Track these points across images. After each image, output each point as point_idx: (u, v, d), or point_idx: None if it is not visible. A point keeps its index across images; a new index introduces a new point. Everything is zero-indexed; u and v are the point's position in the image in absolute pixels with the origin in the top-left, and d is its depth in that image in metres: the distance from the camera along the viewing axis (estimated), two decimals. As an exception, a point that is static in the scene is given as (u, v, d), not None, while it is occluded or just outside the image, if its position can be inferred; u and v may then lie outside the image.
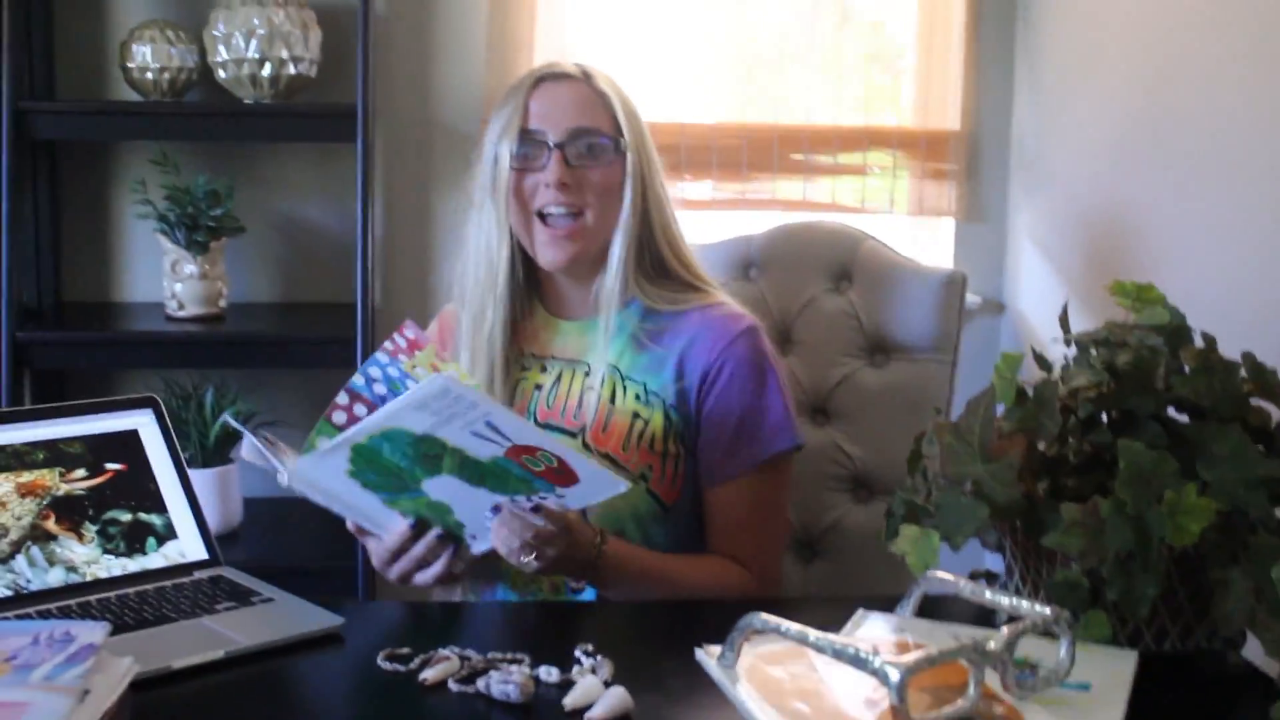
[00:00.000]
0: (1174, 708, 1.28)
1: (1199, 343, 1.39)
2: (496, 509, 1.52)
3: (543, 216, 1.78)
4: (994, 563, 1.56)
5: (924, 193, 3.10)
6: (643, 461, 1.79)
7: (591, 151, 1.79)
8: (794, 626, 1.11)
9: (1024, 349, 2.14)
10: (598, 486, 1.48)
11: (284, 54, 2.73)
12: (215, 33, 2.75)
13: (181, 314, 2.77)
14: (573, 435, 1.80)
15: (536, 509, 1.53)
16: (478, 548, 1.58)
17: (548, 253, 1.79)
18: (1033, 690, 1.13)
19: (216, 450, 2.69)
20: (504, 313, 1.83)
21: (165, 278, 2.79)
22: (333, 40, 2.87)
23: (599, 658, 1.32)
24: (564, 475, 1.44)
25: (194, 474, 2.56)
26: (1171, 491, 1.23)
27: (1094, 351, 1.39)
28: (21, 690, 1.07)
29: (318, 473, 1.53)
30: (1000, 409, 1.38)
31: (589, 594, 1.73)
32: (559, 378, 1.85)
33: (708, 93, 3.08)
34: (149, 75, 2.77)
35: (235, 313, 2.88)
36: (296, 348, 2.77)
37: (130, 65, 2.78)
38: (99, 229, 3.00)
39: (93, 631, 1.19)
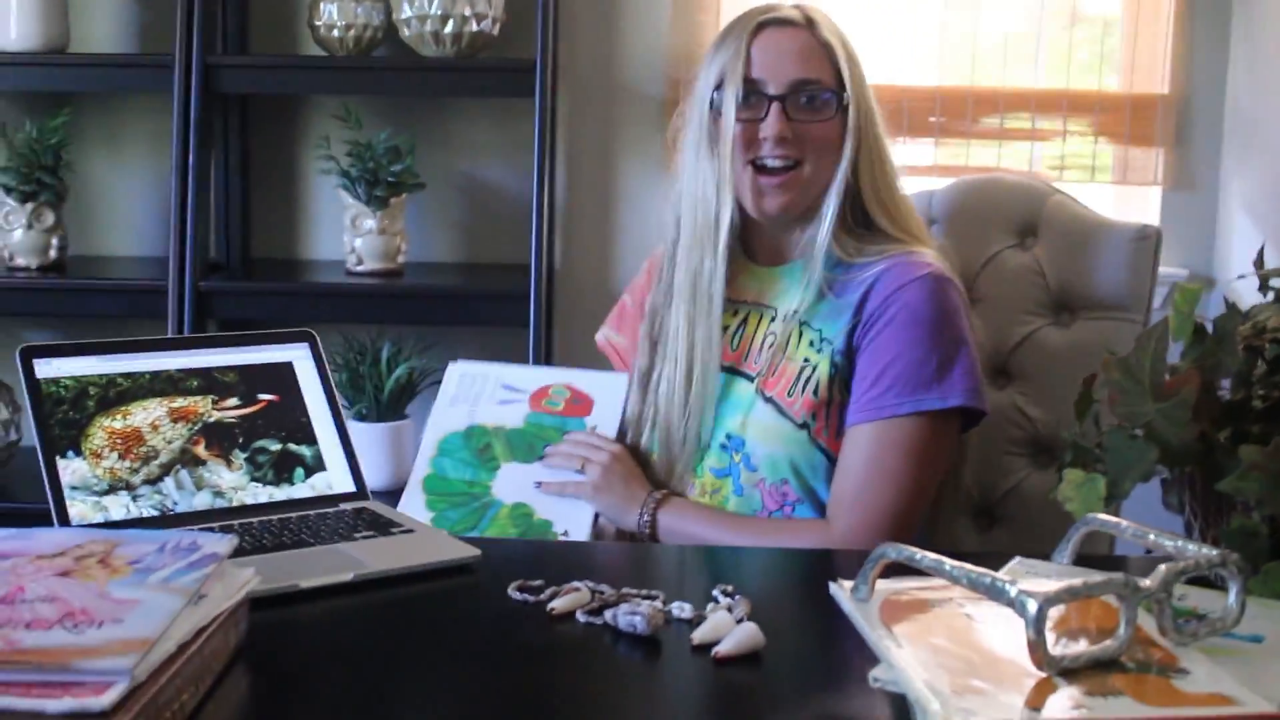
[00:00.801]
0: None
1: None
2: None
3: (758, 166, 1.74)
4: (1176, 527, 1.45)
5: (1129, 160, 2.96)
6: (806, 409, 1.73)
7: (813, 105, 1.74)
8: (930, 555, 1.04)
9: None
10: (609, 393, 1.65)
11: (466, 11, 2.74)
12: (400, -8, 2.78)
13: (360, 268, 2.81)
14: (750, 380, 1.78)
15: None
16: (574, 535, 1.62)
17: (762, 201, 1.76)
18: (1194, 637, 1.03)
19: (390, 405, 2.71)
20: (724, 266, 1.78)
21: (346, 233, 2.82)
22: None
23: (736, 597, 1.27)
24: (581, 403, 1.57)
25: (367, 427, 2.65)
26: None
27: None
28: (137, 590, 1.06)
29: None
30: (1179, 351, 1.28)
31: None
32: (744, 320, 1.83)
33: (899, 53, 2.99)
34: (335, 33, 2.81)
35: (415, 271, 2.90)
36: (472, 303, 2.78)
37: (318, 23, 2.82)
38: (286, 187, 3.06)
39: (219, 543, 1.18)
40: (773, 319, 1.80)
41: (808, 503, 1.75)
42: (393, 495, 2.54)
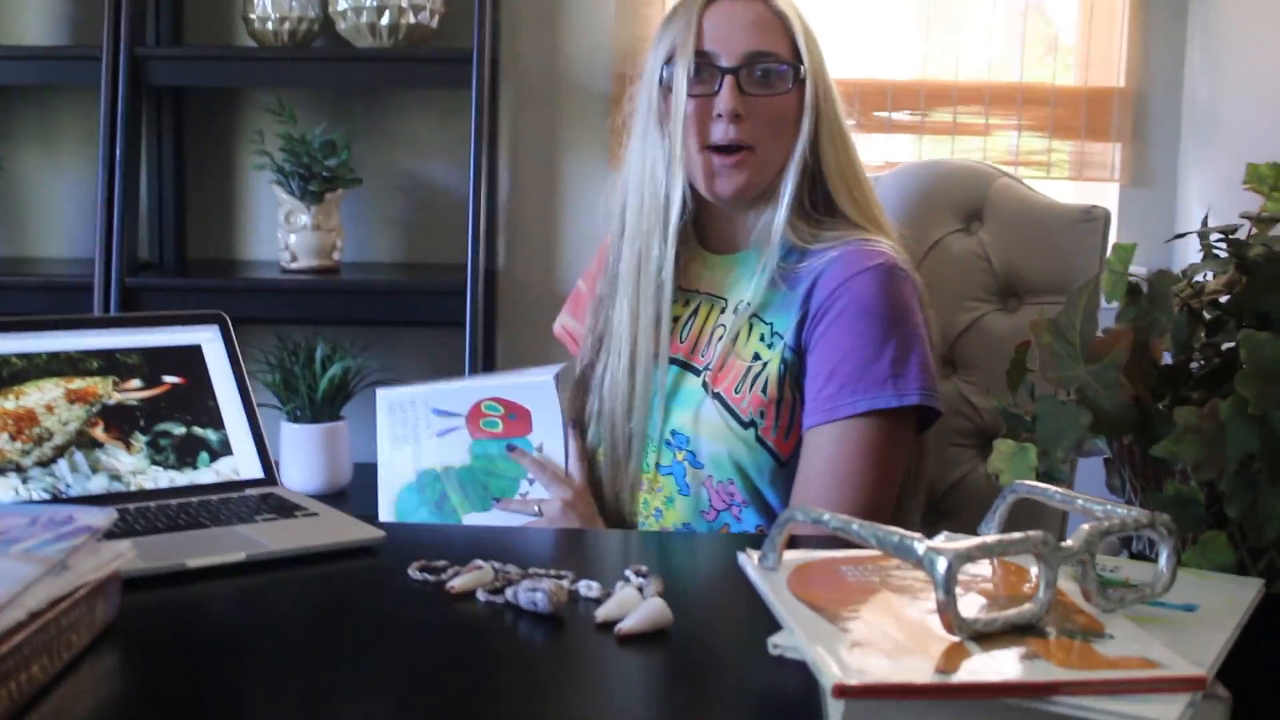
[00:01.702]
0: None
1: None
2: None
3: (712, 147, 1.67)
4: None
5: (1085, 155, 2.91)
6: (754, 406, 1.66)
7: (767, 78, 1.66)
8: (837, 516, 0.98)
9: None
10: (541, 401, 1.60)
11: (404, 2, 2.69)
12: (336, -19, 2.73)
13: (294, 265, 2.75)
14: (698, 373, 1.71)
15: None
16: None
17: (714, 183, 1.68)
18: (1120, 603, 0.97)
19: (325, 406, 2.64)
20: (673, 250, 1.71)
21: (279, 229, 2.76)
22: (456, -10, 2.82)
23: (648, 576, 1.20)
24: (518, 417, 1.55)
25: (300, 428, 2.58)
26: (1302, 384, 1.06)
27: (1223, 246, 1.23)
28: (-8, 560, 1.00)
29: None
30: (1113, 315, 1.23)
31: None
32: (696, 311, 1.76)
33: (850, 45, 2.94)
34: (270, 25, 2.76)
35: (352, 270, 2.85)
36: (409, 300, 2.73)
37: (252, 16, 2.77)
38: (221, 184, 3.01)
39: (95, 516, 1.12)
40: (723, 310, 1.74)
41: (753, 506, 1.68)
42: (328, 499, 2.49)
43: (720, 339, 1.71)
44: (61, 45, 2.92)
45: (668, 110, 1.68)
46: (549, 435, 1.66)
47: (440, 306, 2.69)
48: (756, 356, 1.68)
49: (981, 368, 1.98)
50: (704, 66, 1.66)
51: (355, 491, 2.66)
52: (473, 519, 1.67)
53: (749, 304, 1.69)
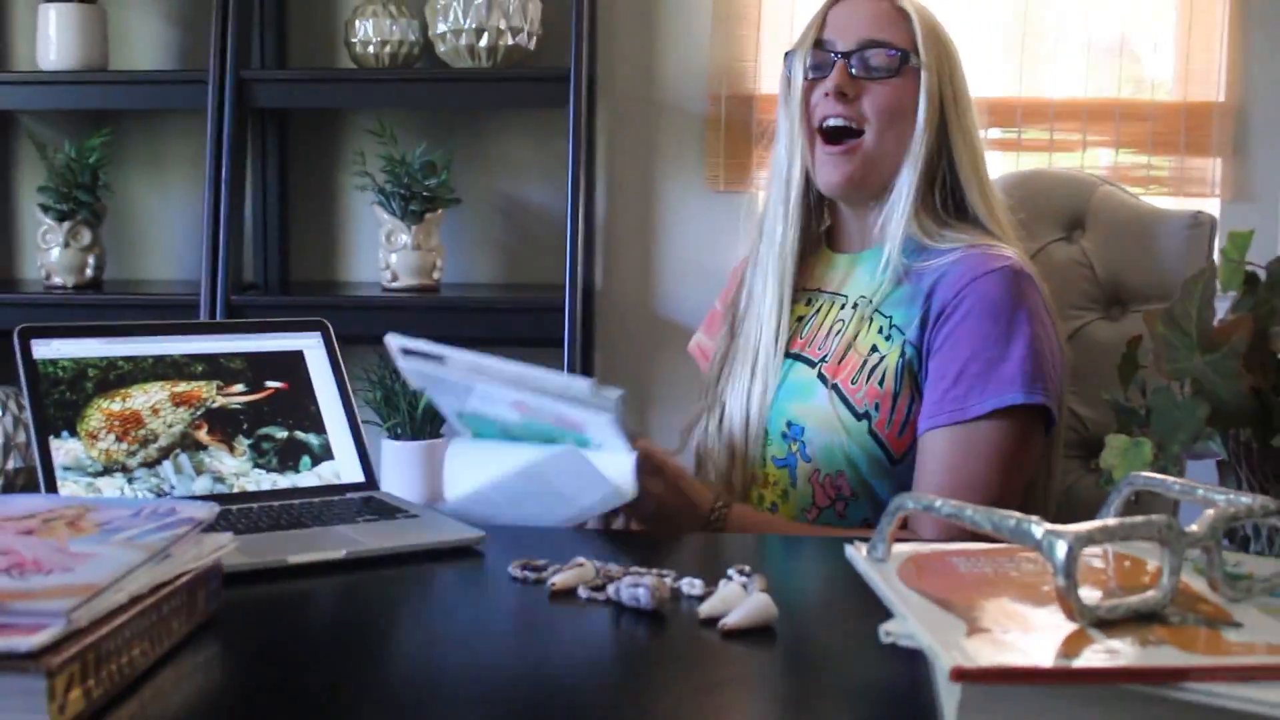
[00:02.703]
0: None
1: None
2: None
3: (824, 133, 1.67)
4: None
5: (1185, 170, 2.84)
6: (870, 398, 1.62)
7: (877, 63, 1.65)
8: (950, 503, 0.94)
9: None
10: (596, 424, 1.39)
11: (501, 24, 2.69)
12: (436, 7, 2.73)
13: (395, 284, 2.74)
14: (811, 365, 1.69)
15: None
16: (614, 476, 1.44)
17: (824, 172, 1.68)
18: (1247, 593, 0.92)
19: (425, 423, 2.63)
20: (796, 231, 1.73)
21: (380, 249, 2.76)
22: (553, 13, 2.81)
23: (751, 574, 1.16)
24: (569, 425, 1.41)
25: (400, 445, 2.57)
26: None
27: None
28: (97, 546, 0.98)
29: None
30: (1227, 304, 1.18)
31: None
32: (819, 309, 1.74)
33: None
34: (370, 48, 2.76)
35: (451, 290, 2.84)
36: (508, 318, 2.71)
37: (354, 40, 2.78)
38: (324, 205, 3.02)
39: (198, 509, 1.10)
40: (844, 305, 1.71)
41: (862, 498, 1.63)
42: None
43: (839, 333, 1.68)
44: (169, 70, 2.96)
45: (790, 97, 1.70)
46: (612, 445, 1.44)
47: (539, 325, 2.67)
48: (874, 349, 1.64)
49: (1086, 377, 1.92)
50: (821, 53, 1.68)
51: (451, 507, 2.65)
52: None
53: (869, 299, 1.67)
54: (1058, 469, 1.75)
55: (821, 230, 1.81)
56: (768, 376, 1.70)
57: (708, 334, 1.92)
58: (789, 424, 1.67)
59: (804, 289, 1.76)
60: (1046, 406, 1.57)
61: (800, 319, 1.74)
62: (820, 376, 1.66)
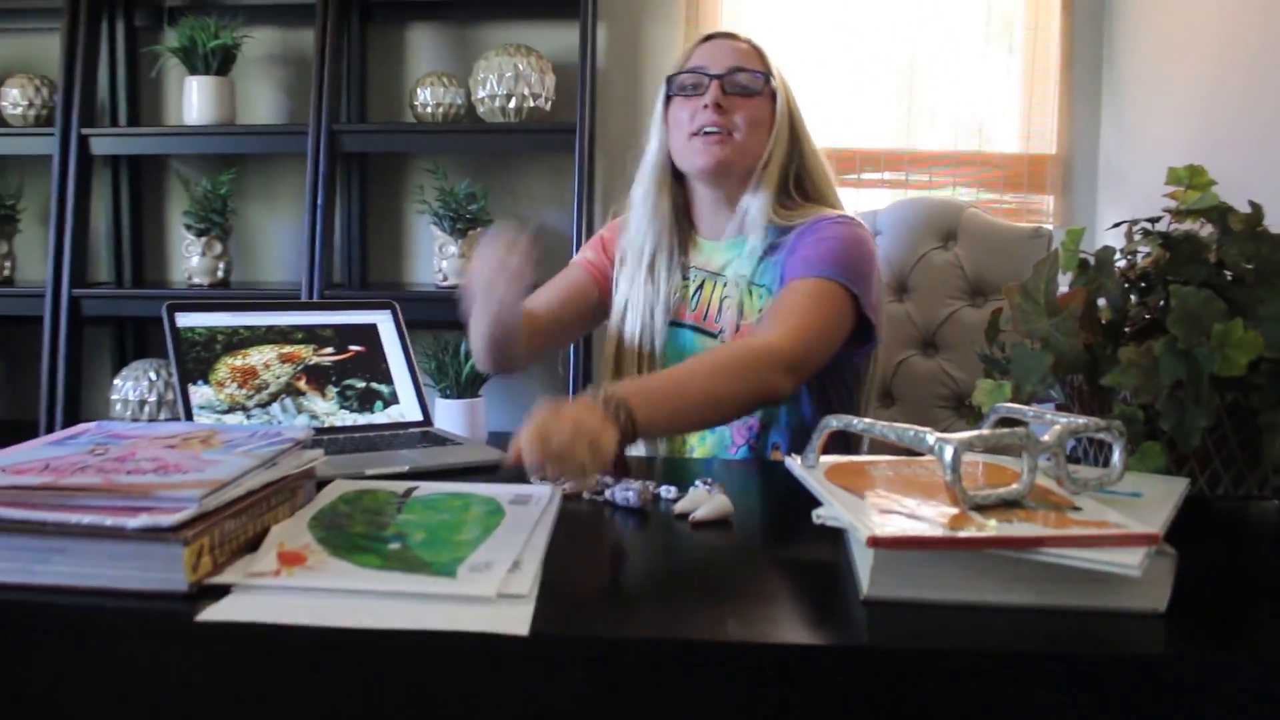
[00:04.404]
0: (1224, 550, 1.03)
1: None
2: None
3: (700, 135, 1.55)
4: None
5: (1027, 204, 2.82)
6: None
7: (745, 85, 1.56)
8: (864, 420, 0.92)
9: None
10: None
11: (525, 91, 2.65)
12: (477, 79, 2.70)
13: (446, 283, 2.70)
14: (713, 336, 1.58)
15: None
16: None
17: (698, 159, 1.55)
18: (1085, 487, 0.90)
19: (468, 386, 2.60)
20: (669, 200, 1.61)
21: (435, 257, 2.73)
22: (564, 84, 2.78)
23: (713, 483, 1.14)
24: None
25: (449, 403, 2.53)
26: (1219, 325, 0.98)
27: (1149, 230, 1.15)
28: (223, 455, 0.96)
29: None
30: (1066, 281, 1.16)
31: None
32: (700, 285, 1.62)
33: (856, 120, 2.87)
34: (428, 109, 2.72)
35: (488, 288, 2.79)
36: (528, 309, 2.67)
37: (416, 103, 2.74)
38: (393, 225, 2.97)
39: (299, 432, 1.07)
40: (725, 284, 1.59)
41: (770, 427, 1.55)
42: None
43: (728, 308, 1.57)
44: (280, 124, 2.91)
45: (667, 113, 1.60)
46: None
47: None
48: (759, 310, 1.55)
49: (956, 349, 1.90)
50: (696, 75, 1.57)
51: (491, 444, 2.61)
52: None
53: (746, 276, 1.56)
54: (875, 383, 1.65)
55: (684, 218, 1.66)
56: (658, 339, 1.60)
57: (592, 249, 1.76)
58: None
59: (681, 266, 1.63)
60: (853, 292, 1.46)
61: (684, 289, 1.62)
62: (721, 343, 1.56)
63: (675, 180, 1.64)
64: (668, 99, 1.61)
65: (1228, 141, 2.09)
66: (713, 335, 1.59)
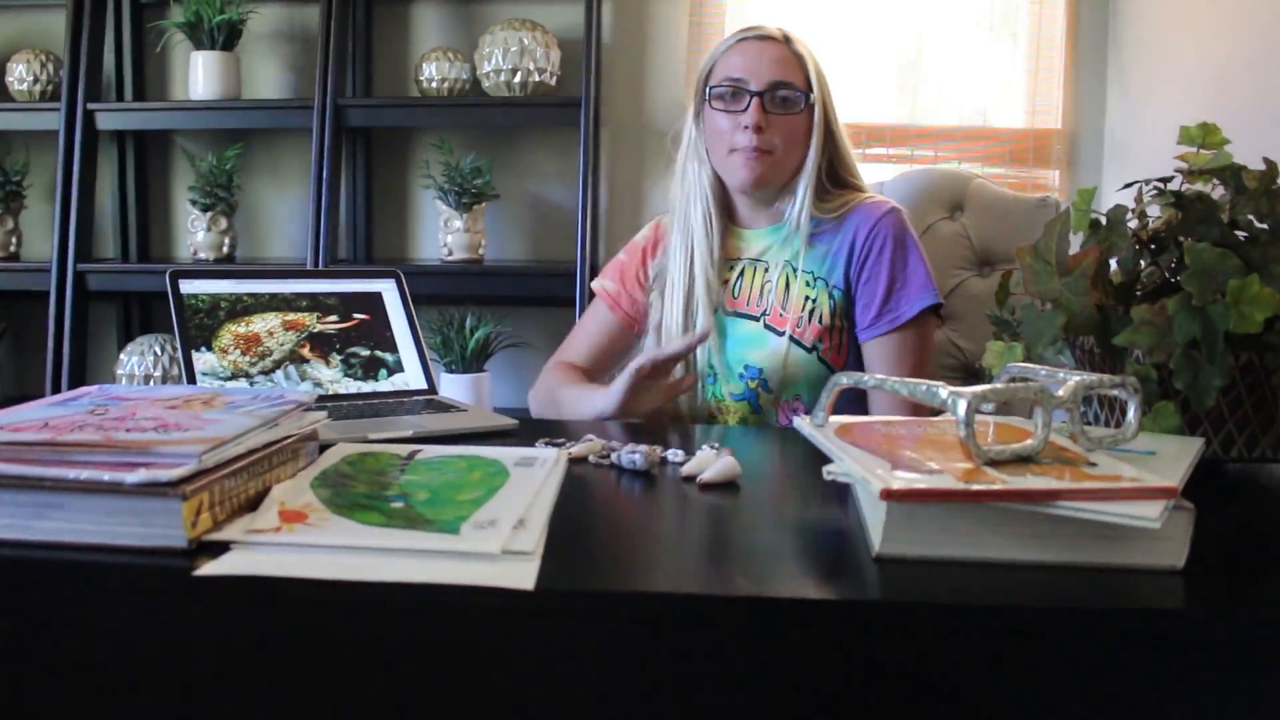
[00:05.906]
0: (1239, 511, 1.00)
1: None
2: None
3: (738, 150, 1.58)
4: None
5: (1033, 178, 2.79)
6: (815, 336, 1.57)
7: (786, 103, 1.57)
8: (874, 376, 0.89)
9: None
10: None
11: (530, 66, 2.62)
12: (482, 53, 2.67)
13: (451, 258, 2.68)
14: (755, 319, 1.61)
15: None
16: None
17: (740, 172, 1.57)
18: (1099, 444, 0.88)
19: (473, 360, 2.58)
20: (712, 205, 1.63)
21: (439, 231, 2.70)
22: (569, 58, 2.75)
23: (723, 448, 1.12)
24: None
25: (454, 377, 2.50)
26: (1235, 281, 0.95)
27: (1163, 189, 1.12)
28: (224, 414, 0.93)
29: None
30: (1078, 241, 1.13)
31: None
32: (742, 273, 1.64)
33: (864, 96, 2.84)
34: (434, 84, 2.70)
35: (492, 263, 2.78)
36: (534, 283, 2.66)
37: (422, 79, 2.71)
38: (398, 199, 2.95)
39: (301, 395, 1.05)
40: (766, 269, 1.63)
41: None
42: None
43: (770, 291, 1.61)
44: (285, 99, 2.89)
45: (708, 120, 1.60)
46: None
47: (557, 289, 2.62)
48: (807, 298, 1.58)
49: (965, 319, 1.88)
50: (737, 89, 1.57)
51: (495, 421, 2.60)
52: None
53: (789, 262, 1.60)
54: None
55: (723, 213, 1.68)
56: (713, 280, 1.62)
57: (613, 279, 1.77)
58: (746, 366, 1.61)
59: (725, 258, 1.65)
60: (942, 300, 1.57)
61: (726, 281, 1.65)
62: (768, 326, 1.60)
63: (717, 181, 1.64)
64: (703, 99, 1.61)
65: (1235, 116, 2.06)
66: (755, 319, 1.61)
